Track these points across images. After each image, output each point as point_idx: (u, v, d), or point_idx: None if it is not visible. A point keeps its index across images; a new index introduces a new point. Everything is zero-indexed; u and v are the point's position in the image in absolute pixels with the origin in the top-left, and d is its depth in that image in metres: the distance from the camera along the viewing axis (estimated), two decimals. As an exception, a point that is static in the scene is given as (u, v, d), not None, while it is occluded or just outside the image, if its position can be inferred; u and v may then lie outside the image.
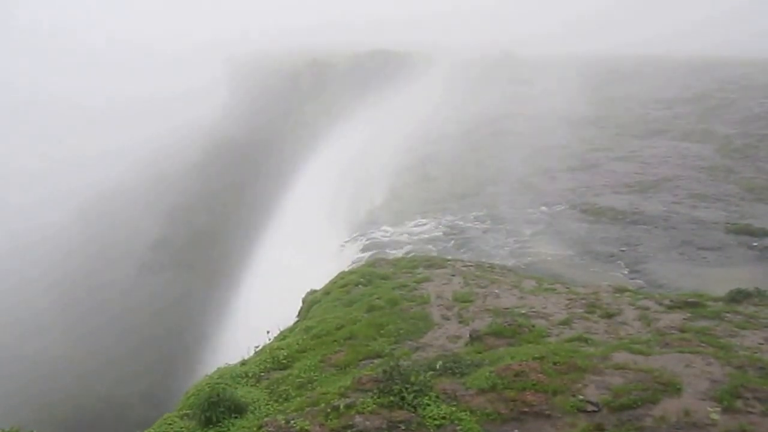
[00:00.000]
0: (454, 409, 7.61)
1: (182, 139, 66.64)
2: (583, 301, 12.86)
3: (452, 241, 24.15)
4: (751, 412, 6.98)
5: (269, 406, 9.14)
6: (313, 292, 16.69)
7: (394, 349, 10.81)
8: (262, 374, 10.51)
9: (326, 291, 15.95)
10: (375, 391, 8.01)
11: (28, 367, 46.39)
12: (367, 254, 23.86)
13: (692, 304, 11.72)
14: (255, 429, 7.95)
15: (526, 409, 7.52)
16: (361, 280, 15.73)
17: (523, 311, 12.35)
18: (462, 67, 61.72)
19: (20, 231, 57.63)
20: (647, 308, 11.94)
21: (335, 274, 17.54)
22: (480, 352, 9.76)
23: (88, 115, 68.18)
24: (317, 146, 54.19)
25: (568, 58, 66.18)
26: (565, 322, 11.45)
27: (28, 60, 74.83)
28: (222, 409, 8.52)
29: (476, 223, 26.48)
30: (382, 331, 11.65)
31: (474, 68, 61.43)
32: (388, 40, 74.40)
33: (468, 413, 7.55)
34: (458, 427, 7.34)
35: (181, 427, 8.79)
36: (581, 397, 7.59)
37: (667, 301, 12.25)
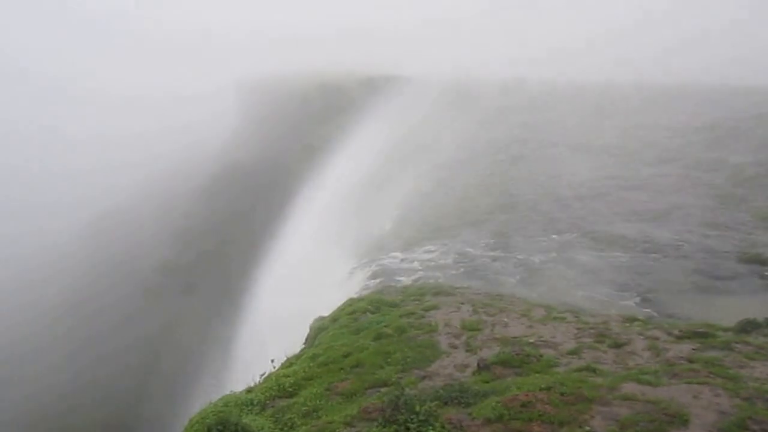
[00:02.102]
0: (459, 439, 7.57)
1: (190, 162, 67.43)
2: (593, 331, 12.79)
3: (462, 269, 23.99)
4: (759, 446, 6.89)
5: (274, 434, 9.08)
6: (320, 318, 16.69)
7: (401, 377, 10.76)
8: (268, 402, 10.47)
9: (334, 318, 15.94)
10: (380, 420, 7.99)
11: (27, 393, 46.33)
12: (375, 281, 23.75)
13: (701, 335, 11.61)
14: (259, 457, 7.93)
15: (532, 440, 7.46)
16: (369, 307, 15.74)
17: (531, 340, 12.29)
18: (473, 92, 62.21)
19: (25, 255, 58.18)
20: (656, 338, 11.86)
21: (343, 301, 17.54)
22: (487, 382, 9.71)
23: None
24: (327, 170, 54.51)
25: (575, 85, 66.60)
26: (574, 352, 11.38)
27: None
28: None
29: (486, 250, 26.38)
30: (389, 360, 11.62)
31: (485, 94, 61.91)
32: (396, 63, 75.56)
33: (473, 444, 7.50)
34: (463, 458, 7.28)
35: (185, 456, 8.78)
36: (588, 428, 7.52)
37: (676, 331, 12.15)
